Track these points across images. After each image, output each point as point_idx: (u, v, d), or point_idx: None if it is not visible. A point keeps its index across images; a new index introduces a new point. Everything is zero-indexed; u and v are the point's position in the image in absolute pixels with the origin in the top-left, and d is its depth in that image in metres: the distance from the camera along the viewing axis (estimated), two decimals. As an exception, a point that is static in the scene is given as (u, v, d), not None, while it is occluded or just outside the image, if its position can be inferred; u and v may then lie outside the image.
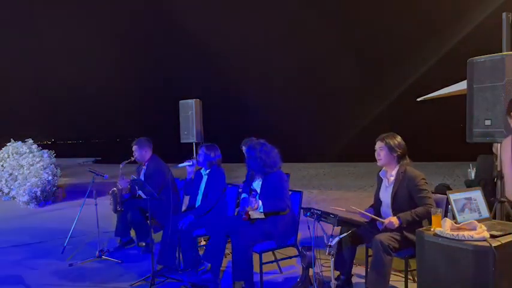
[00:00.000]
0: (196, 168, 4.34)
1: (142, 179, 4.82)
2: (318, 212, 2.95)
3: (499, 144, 3.32)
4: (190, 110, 6.10)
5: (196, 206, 4.27)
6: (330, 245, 2.78)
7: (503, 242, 2.28)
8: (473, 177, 5.04)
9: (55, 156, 9.07)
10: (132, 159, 4.94)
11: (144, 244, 4.91)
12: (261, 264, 3.49)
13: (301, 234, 3.98)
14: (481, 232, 2.30)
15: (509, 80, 3.15)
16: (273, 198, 3.52)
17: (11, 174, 8.76)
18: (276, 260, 3.89)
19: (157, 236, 4.70)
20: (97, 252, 4.59)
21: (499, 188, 3.41)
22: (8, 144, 9.19)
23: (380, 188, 3.39)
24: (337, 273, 3.34)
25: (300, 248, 3.48)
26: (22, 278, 4.17)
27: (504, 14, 3.64)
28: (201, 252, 4.18)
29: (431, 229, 2.52)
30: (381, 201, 3.34)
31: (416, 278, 3.03)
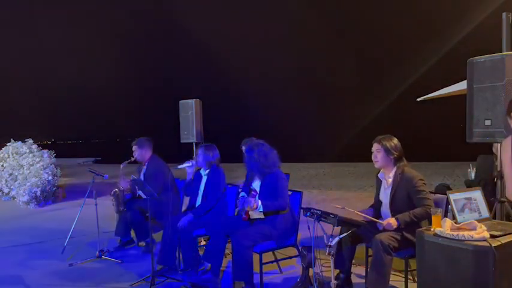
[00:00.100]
0: (196, 169, 4.34)
1: (143, 178, 4.82)
2: (318, 212, 2.95)
3: (499, 144, 3.32)
4: (190, 110, 6.10)
5: (196, 206, 4.27)
6: (330, 245, 2.78)
7: (503, 242, 2.27)
8: (473, 177, 5.04)
9: (55, 156, 9.07)
10: (133, 159, 4.94)
11: (144, 244, 4.92)
12: (261, 264, 3.49)
13: (301, 234, 3.98)
14: (481, 232, 2.30)
15: (509, 80, 3.15)
16: (272, 197, 3.53)
17: (11, 174, 8.76)
18: (276, 260, 3.89)
19: (157, 236, 4.71)
20: (97, 252, 4.59)
21: (499, 188, 3.41)
22: (8, 144, 9.19)
23: (379, 190, 3.39)
24: (337, 271, 3.34)
25: (300, 248, 3.48)
26: (22, 278, 4.17)
27: (504, 14, 3.64)
28: (201, 252, 4.19)
29: (431, 229, 2.52)
30: (381, 203, 3.35)
31: (416, 278, 3.03)
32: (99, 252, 4.59)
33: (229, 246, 3.83)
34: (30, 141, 9.21)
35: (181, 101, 6.31)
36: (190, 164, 4.28)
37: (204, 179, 4.26)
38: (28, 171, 8.46)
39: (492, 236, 2.32)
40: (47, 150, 9.15)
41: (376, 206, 3.41)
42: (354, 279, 3.49)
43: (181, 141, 6.33)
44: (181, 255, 4.07)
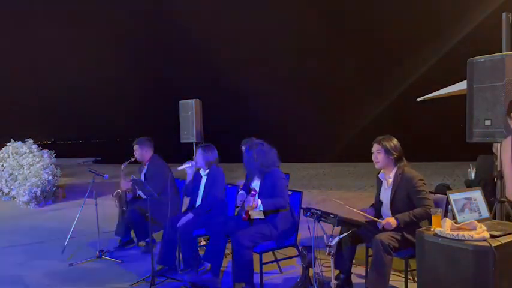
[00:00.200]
0: (196, 169, 4.35)
1: (143, 178, 4.83)
2: (318, 212, 2.95)
3: (499, 144, 3.32)
4: (190, 110, 6.10)
5: (196, 206, 4.27)
6: (330, 245, 2.78)
7: (503, 242, 2.27)
8: (473, 177, 5.04)
9: (55, 156, 9.07)
10: (133, 159, 4.94)
11: (144, 244, 4.92)
12: (261, 264, 3.49)
13: (301, 234, 3.98)
14: (481, 232, 2.30)
15: (509, 80, 3.15)
16: (272, 196, 3.53)
17: (11, 174, 8.76)
18: (276, 260, 3.89)
19: (157, 236, 4.71)
20: (97, 252, 4.59)
21: (499, 188, 3.41)
22: (8, 144, 9.20)
23: (380, 190, 3.39)
24: (337, 271, 3.34)
25: (300, 248, 3.48)
26: (22, 278, 4.17)
27: (504, 14, 3.64)
28: (201, 252, 4.19)
29: (431, 229, 2.52)
30: (381, 203, 3.35)
31: (416, 278, 3.03)
32: (99, 252, 4.59)
33: (229, 246, 3.83)
34: (30, 141, 9.21)
35: (181, 101, 6.31)
36: (190, 164, 4.28)
37: (204, 179, 4.27)
38: (28, 171, 8.46)
39: (492, 236, 2.32)
40: (47, 150, 9.15)
41: (377, 206, 3.41)
42: (354, 279, 3.49)
43: (181, 141, 6.33)
44: (181, 255, 4.07)
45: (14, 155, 8.91)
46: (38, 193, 8.08)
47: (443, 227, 2.44)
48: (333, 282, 2.89)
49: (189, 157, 4.93)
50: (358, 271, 3.75)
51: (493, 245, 2.21)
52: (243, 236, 3.42)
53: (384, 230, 3.26)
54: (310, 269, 3.24)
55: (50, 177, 8.42)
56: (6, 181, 8.79)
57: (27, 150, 8.91)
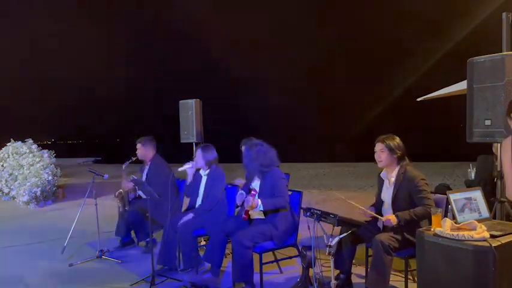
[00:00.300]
0: (196, 170, 4.35)
1: (145, 178, 4.84)
2: (318, 212, 2.95)
3: (499, 144, 3.32)
4: (190, 110, 6.10)
5: (197, 206, 4.28)
6: (330, 245, 2.78)
7: (503, 242, 2.27)
8: (473, 177, 5.04)
9: (55, 156, 9.07)
10: (134, 159, 4.95)
11: (144, 244, 4.92)
12: (261, 264, 3.49)
13: (301, 234, 3.98)
14: (481, 232, 2.30)
15: (509, 80, 3.15)
16: (272, 196, 3.53)
17: (11, 174, 8.76)
18: (276, 260, 3.89)
19: (157, 236, 4.71)
20: (97, 252, 4.59)
21: (499, 188, 3.41)
22: (8, 144, 9.20)
23: (381, 189, 3.39)
24: (337, 271, 3.34)
25: (300, 248, 3.48)
26: (22, 278, 4.17)
27: (504, 14, 3.64)
28: (201, 252, 4.19)
29: (431, 229, 2.52)
30: (383, 202, 3.35)
31: (416, 278, 3.03)
32: (99, 252, 4.59)
33: (229, 246, 3.83)
34: (30, 141, 9.21)
35: (181, 101, 6.31)
36: (191, 165, 4.28)
37: (204, 179, 4.27)
38: (28, 171, 8.46)
39: (492, 236, 2.32)
40: (47, 150, 9.15)
41: (378, 206, 3.41)
42: (354, 280, 3.49)
43: (181, 141, 6.33)
44: (181, 255, 4.07)
45: (14, 155, 8.91)
46: (38, 193, 8.08)
47: (443, 227, 2.44)
48: (333, 282, 2.89)
49: (189, 157, 4.93)
50: (358, 271, 3.75)
51: (493, 245, 2.21)
52: (243, 236, 3.42)
53: (384, 229, 3.26)
54: (310, 269, 3.24)
55: (50, 177, 8.42)
56: (6, 181, 8.79)
57: (27, 150, 8.91)
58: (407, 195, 3.14)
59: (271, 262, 3.80)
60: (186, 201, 4.55)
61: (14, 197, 8.57)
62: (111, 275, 4.16)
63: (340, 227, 3.05)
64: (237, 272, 3.44)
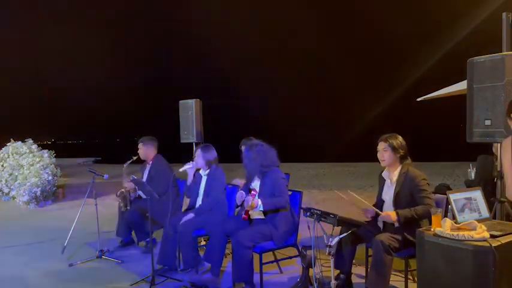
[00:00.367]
0: (196, 170, 4.35)
1: (146, 178, 4.85)
2: (318, 212, 2.95)
3: (499, 144, 3.32)
4: (190, 110, 6.10)
5: (197, 206, 4.28)
6: (330, 245, 2.78)
7: (503, 242, 2.27)
8: (473, 177, 5.04)
9: (55, 156, 9.07)
10: (135, 158, 4.95)
11: (144, 244, 4.92)
12: (261, 264, 3.49)
13: (301, 234, 3.98)
14: (481, 232, 2.30)
15: (509, 80, 3.15)
16: (272, 195, 3.53)
17: (11, 174, 8.76)
18: (276, 260, 3.89)
19: (157, 235, 4.71)
20: (97, 252, 4.59)
21: (499, 188, 3.41)
22: (8, 144, 9.20)
23: (382, 189, 3.40)
24: (337, 271, 3.34)
25: (300, 248, 3.48)
26: (22, 278, 4.17)
27: (504, 14, 3.64)
28: (201, 252, 4.19)
29: (431, 229, 2.52)
30: (383, 201, 3.35)
31: (416, 278, 3.03)
32: (99, 252, 4.59)
33: (229, 246, 3.84)
34: (30, 141, 9.21)
35: (181, 101, 6.31)
36: (192, 165, 4.28)
37: (204, 180, 4.27)
38: (28, 171, 8.46)
39: (492, 236, 2.32)
40: (47, 150, 9.15)
41: (378, 206, 3.41)
42: (354, 280, 3.49)
43: (181, 141, 6.33)
44: (181, 255, 4.07)
45: (14, 155, 8.91)
46: (38, 193, 8.08)
47: (443, 227, 2.44)
48: (333, 282, 2.89)
49: (189, 158, 4.94)
50: (358, 271, 3.75)
51: (493, 245, 2.20)
52: (243, 235, 3.42)
53: (384, 229, 3.27)
54: (310, 269, 3.24)
55: (50, 177, 8.42)
56: (6, 181, 8.79)
57: (27, 150, 8.91)
58: (408, 195, 3.14)
59: (271, 262, 3.80)
60: (186, 201, 4.55)
61: (14, 197, 8.57)
62: (111, 275, 4.16)
63: (340, 227, 3.05)
64: (237, 272, 3.44)
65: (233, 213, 4.24)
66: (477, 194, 2.71)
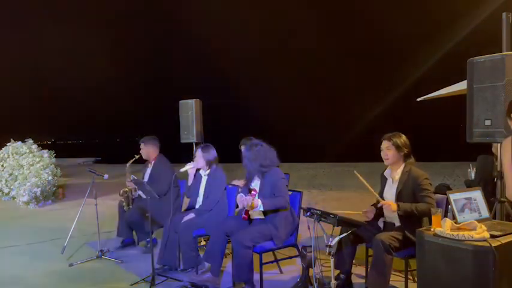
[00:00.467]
0: (196, 170, 4.35)
1: (148, 177, 4.85)
2: (318, 212, 2.95)
3: (499, 144, 3.32)
4: (190, 110, 6.10)
5: (197, 206, 4.28)
6: (330, 245, 2.78)
7: (503, 242, 2.27)
8: (473, 177, 5.04)
9: (55, 156, 9.07)
10: (137, 157, 4.96)
11: (144, 244, 4.92)
12: (261, 264, 3.49)
13: (301, 234, 3.98)
14: (481, 232, 2.30)
15: (509, 80, 3.15)
16: (272, 195, 3.53)
17: (11, 174, 8.76)
18: (276, 260, 3.89)
19: (158, 235, 4.71)
20: (97, 252, 4.59)
21: (499, 188, 3.41)
22: (8, 144, 9.20)
23: (384, 187, 3.40)
24: (337, 271, 3.34)
25: (300, 248, 3.48)
26: (22, 278, 4.17)
27: (504, 14, 3.64)
28: (201, 252, 4.19)
29: (431, 229, 2.52)
30: (385, 200, 3.35)
31: (416, 278, 3.03)
32: (99, 252, 4.59)
33: (229, 246, 3.84)
34: (30, 141, 9.22)
35: (181, 101, 6.31)
36: (193, 165, 4.28)
37: (204, 180, 4.27)
38: (28, 171, 8.46)
39: (492, 236, 2.32)
40: (47, 150, 9.16)
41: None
42: (354, 279, 3.49)
43: (182, 141, 6.34)
44: (181, 255, 4.07)
45: (14, 155, 8.91)
46: (38, 193, 8.08)
47: (443, 227, 2.44)
48: (333, 282, 2.89)
49: (190, 158, 4.94)
50: (358, 271, 3.75)
51: (493, 245, 2.20)
52: (243, 235, 3.42)
53: (384, 229, 3.27)
54: (310, 269, 3.24)
55: (50, 177, 8.42)
56: (6, 181, 8.79)
57: (27, 150, 8.91)
58: (411, 194, 3.15)
59: (271, 262, 3.80)
60: (186, 201, 4.55)
61: (14, 197, 8.57)
62: (111, 275, 4.16)
63: (340, 227, 3.05)
64: (237, 271, 3.44)
65: (233, 213, 4.24)
66: (477, 194, 2.71)
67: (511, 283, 2.28)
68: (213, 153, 4.23)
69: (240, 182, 4.23)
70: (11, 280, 4.12)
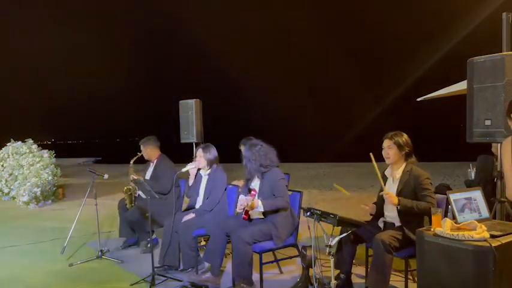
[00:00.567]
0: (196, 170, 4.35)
1: (149, 177, 4.86)
2: (318, 212, 2.95)
3: (499, 144, 3.32)
4: (190, 110, 6.11)
5: (197, 206, 4.28)
6: (330, 245, 2.78)
7: (503, 242, 2.27)
8: (473, 177, 5.04)
9: (55, 156, 9.08)
10: (140, 154, 4.97)
11: (145, 243, 4.92)
12: (261, 264, 3.49)
13: (301, 234, 3.98)
14: (481, 232, 2.30)
15: (509, 80, 3.15)
16: (272, 196, 3.53)
17: (11, 174, 8.77)
18: (276, 260, 3.89)
19: (158, 234, 4.70)
20: (97, 252, 4.59)
21: (499, 188, 3.41)
22: (8, 144, 9.20)
23: (385, 186, 3.39)
24: (337, 271, 3.34)
25: (300, 248, 3.48)
26: (22, 278, 4.17)
27: (504, 14, 3.64)
28: (201, 252, 4.19)
29: (431, 229, 2.52)
30: (385, 201, 3.35)
31: (416, 278, 3.03)
32: (99, 252, 4.59)
33: (229, 246, 3.84)
34: (30, 141, 9.22)
35: (181, 101, 6.31)
36: (194, 165, 4.28)
37: (205, 180, 4.27)
38: (28, 171, 8.46)
39: (492, 236, 2.32)
40: (47, 150, 9.16)
41: (379, 204, 3.41)
42: (354, 279, 3.49)
43: (181, 141, 6.34)
44: (181, 255, 4.07)
45: (14, 155, 8.91)
46: (38, 193, 8.08)
47: (443, 227, 2.44)
48: (333, 282, 2.89)
49: (190, 158, 4.95)
50: (358, 271, 3.75)
51: (493, 245, 2.20)
52: (243, 232, 3.43)
53: (384, 228, 3.27)
54: (310, 269, 3.24)
55: (50, 177, 8.43)
56: (6, 181, 8.79)
57: (27, 150, 8.91)
58: (412, 193, 3.15)
59: (271, 262, 3.80)
60: (186, 201, 4.55)
61: (14, 197, 8.57)
62: (111, 275, 4.16)
63: (340, 227, 3.05)
64: (236, 268, 3.44)
65: (233, 213, 4.24)
66: (477, 194, 2.71)
67: (511, 283, 2.28)
68: (213, 153, 4.23)
69: (239, 182, 4.23)
70: (11, 280, 4.12)
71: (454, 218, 2.57)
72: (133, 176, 4.69)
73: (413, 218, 3.08)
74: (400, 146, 3.22)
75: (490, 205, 3.02)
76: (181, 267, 4.08)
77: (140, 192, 4.82)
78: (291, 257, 3.83)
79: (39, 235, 5.78)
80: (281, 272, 4.01)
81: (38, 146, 9.20)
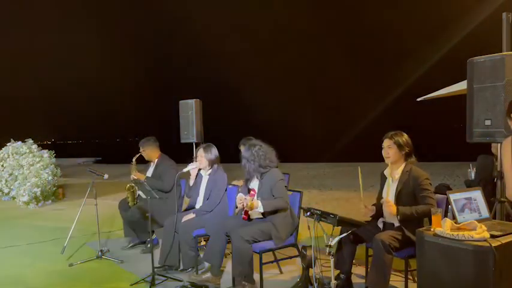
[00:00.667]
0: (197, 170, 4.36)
1: (151, 175, 4.86)
2: (318, 212, 2.94)
3: (499, 144, 3.32)
4: (190, 110, 6.11)
5: (197, 206, 4.28)
6: (330, 245, 2.78)
7: (503, 242, 2.27)
8: (473, 177, 5.04)
9: (55, 156, 9.08)
10: (141, 150, 4.98)
11: (145, 243, 4.92)
12: (261, 264, 3.49)
13: (301, 234, 3.98)
14: (481, 232, 2.30)
15: (509, 80, 3.15)
16: (271, 196, 3.53)
17: (11, 174, 8.77)
18: (276, 260, 3.89)
19: (158, 234, 4.71)
20: (97, 252, 4.59)
21: (499, 188, 3.41)
22: (8, 144, 9.21)
23: (383, 186, 3.40)
24: (337, 271, 3.34)
25: (300, 248, 3.48)
26: (22, 278, 4.17)
27: (504, 14, 3.64)
28: (201, 253, 4.19)
29: (431, 229, 2.52)
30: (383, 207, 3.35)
31: (416, 278, 3.03)
32: (99, 252, 4.59)
33: (229, 246, 3.84)
34: (30, 141, 9.22)
35: (181, 101, 6.31)
36: (195, 166, 4.28)
37: (205, 180, 4.27)
38: (28, 171, 8.47)
39: (492, 236, 2.32)
40: (47, 150, 9.16)
41: (378, 203, 3.41)
42: (354, 279, 3.49)
43: (181, 141, 6.34)
44: (181, 255, 4.07)
45: (14, 155, 8.92)
46: (38, 193, 8.08)
47: (443, 227, 2.44)
48: (333, 282, 2.89)
49: (189, 157, 4.95)
50: (358, 271, 3.75)
51: (493, 245, 2.20)
52: (243, 230, 3.43)
53: (384, 229, 3.27)
54: (310, 269, 3.24)
55: (50, 177, 8.43)
56: (6, 181, 8.80)
57: (27, 150, 8.92)
58: (411, 193, 3.14)
59: (271, 262, 3.80)
60: (186, 201, 4.55)
61: (14, 197, 8.57)
62: (111, 275, 4.16)
63: (340, 227, 3.04)
64: (236, 266, 3.43)
65: (233, 213, 4.24)
66: (477, 194, 2.71)
67: (511, 283, 2.28)
68: (214, 152, 4.23)
69: (239, 183, 4.23)
70: (11, 280, 4.12)
71: (454, 218, 2.57)
72: (134, 176, 4.69)
73: (413, 219, 3.08)
74: (400, 146, 3.22)
75: (490, 205, 3.02)
76: (181, 267, 4.08)
77: (140, 192, 4.82)
78: (291, 257, 3.83)
79: (39, 235, 5.79)
80: (281, 272, 4.01)
81: (38, 146, 9.20)
